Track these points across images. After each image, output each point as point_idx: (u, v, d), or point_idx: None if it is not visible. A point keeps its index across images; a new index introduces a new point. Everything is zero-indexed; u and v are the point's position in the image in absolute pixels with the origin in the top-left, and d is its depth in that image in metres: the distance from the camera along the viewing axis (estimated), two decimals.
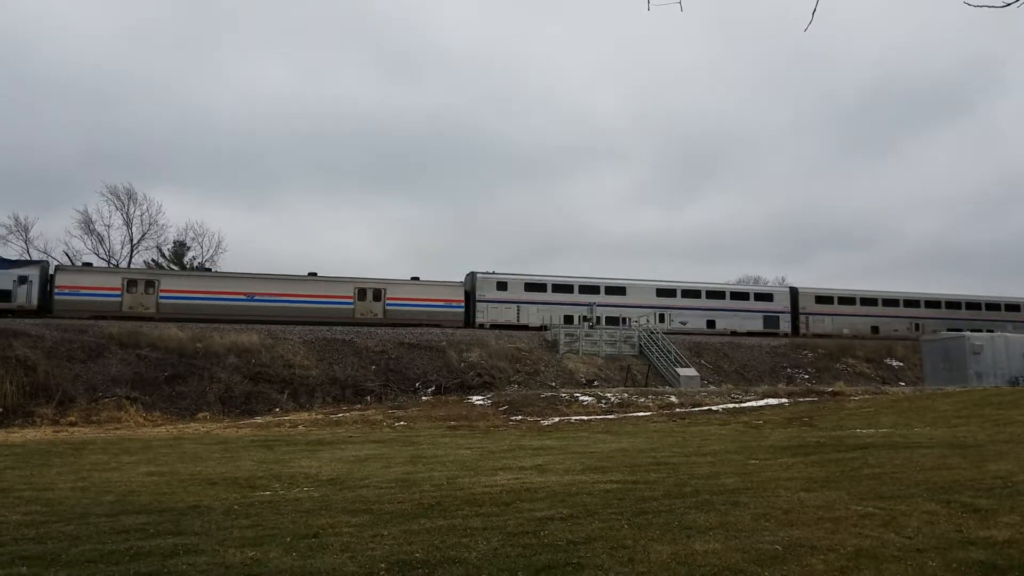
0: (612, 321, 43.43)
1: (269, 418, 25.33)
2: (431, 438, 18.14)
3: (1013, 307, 52.17)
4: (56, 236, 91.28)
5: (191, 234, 60.25)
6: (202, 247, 59.76)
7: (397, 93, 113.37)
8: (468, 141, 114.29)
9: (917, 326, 49.33)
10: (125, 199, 57.34)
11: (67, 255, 54.62)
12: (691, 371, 35.09)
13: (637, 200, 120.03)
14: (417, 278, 42.73)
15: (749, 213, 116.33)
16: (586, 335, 38.49)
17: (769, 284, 49.26)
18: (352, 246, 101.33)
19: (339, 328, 36.93)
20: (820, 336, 45.79)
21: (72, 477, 11.73)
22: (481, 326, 41.34)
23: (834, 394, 27.42)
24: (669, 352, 36.88)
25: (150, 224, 58.20)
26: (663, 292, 45.58)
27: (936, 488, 8.70)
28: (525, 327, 41.38)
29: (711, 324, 45.41)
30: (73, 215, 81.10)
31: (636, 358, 38.00)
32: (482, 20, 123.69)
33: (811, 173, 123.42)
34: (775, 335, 45.66)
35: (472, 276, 43.24)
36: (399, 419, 23.25)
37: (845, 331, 47.49)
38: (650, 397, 26.91)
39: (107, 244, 56.83)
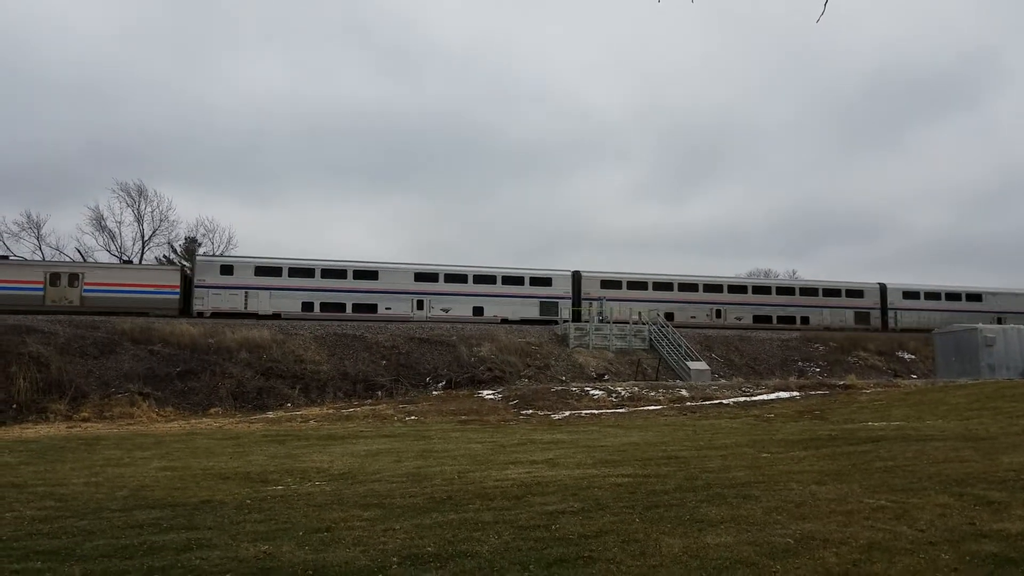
0: (361, 308, 40.67)
1: (280, 413, 25.44)
2: (442, 432, 18.18)
3: (833, 292, 49.02)
4: (68, 233, 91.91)
5: (202, 230, 60.31)
6: (213, 243, 59.89)
7: (397, 90, 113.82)
8: (468, 137, 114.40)
9: (719, 312, 46.61)
10: (136, 195, 57.58)
11: (79, 251, 54.94)
12: (701, 365, 35.03)
13: (640, 195, 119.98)
14: (130, 261, 40.12)
15: (754, 207, 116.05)
16: (596, 329, 38.45)
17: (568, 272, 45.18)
18: (357, 243, 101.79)
19: (350, 324, 36.98)
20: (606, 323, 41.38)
21: (85, 472, 11.82)
22: (200, 314, 38.36)
23: (845, 387, 27.32)
24: (680, 346, 36.81)
25: (161, 220, 58.31)
26: (423, 276, 42.22)
27: (949, 481, 8.66)
28: (254, 315, 38.66)
29: (478, 311, 42.28)
30: (84, 212, 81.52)
31: (646, 352, 37.94)
32: (479, 16, 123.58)
33: (815, 166, 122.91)
34: (553, 323, 42.13)
35: (192, 258, 40.28)
36: (410, 414, 23.31)
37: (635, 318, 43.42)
38: (660, 391, 26.87)
39: (119, 240, 57.10)
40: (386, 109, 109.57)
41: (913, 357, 42.32)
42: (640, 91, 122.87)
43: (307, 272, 40.59)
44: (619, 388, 27.36)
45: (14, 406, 25.47)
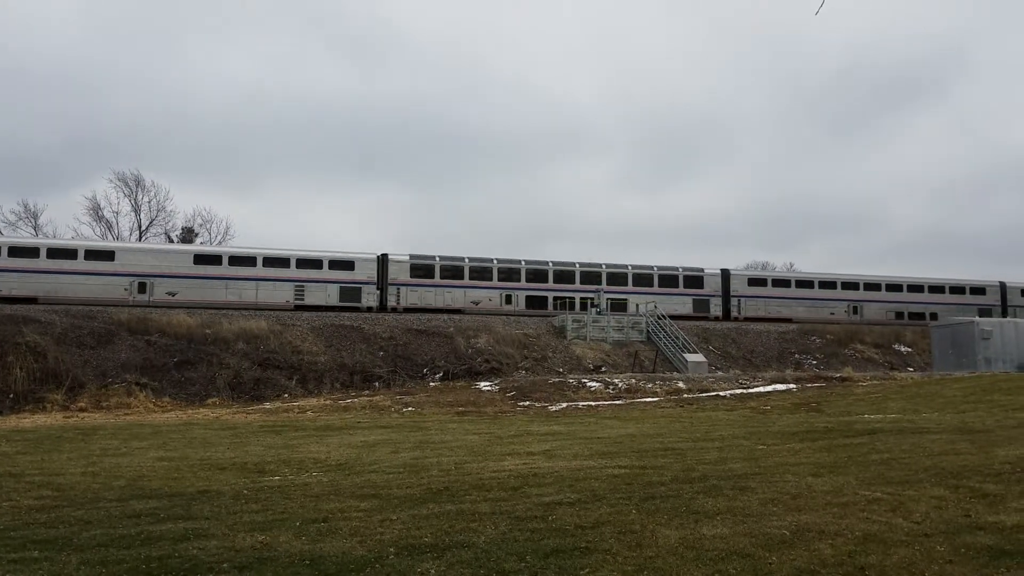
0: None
1: (278, 404, 25.47)
2: (439, 424, 18.21)
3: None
4: (65, 223, 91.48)
5: (199, 220, 60.14)
6: (210, 233, 59.73)
7: (377, 83, 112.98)
8: (445, 130, 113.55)
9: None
10: (133, 185, 57.37)
11: None
12: (699, 357, 35.07)
13: (619, 188, 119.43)
14: None
15: (734, 199, 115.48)
16: (593, 321, 38.46)
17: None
18: (341, 233, 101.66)
19: (347, 314, 36.98)
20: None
21: (82, 462, 11.83)
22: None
23: (842, 380, 27.38)
24: (677, 338, 36.84)
25: (158, 210, 58.23)
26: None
27: (944, 473, 8.69)
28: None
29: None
30: (80, 202, 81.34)
31: (644, 344, 37.97)
32: (451, 7, 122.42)
33: (799, 158, 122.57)
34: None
35: None
36: (407, 405, 23.33)
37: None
38: (658, 383, 26.92)
39: (116, 230, 57.00)
40: (362, 101, 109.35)
41: (910, 350, 42.40)
42: (614, 84, 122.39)
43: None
44: (616, 380, 27.40)
45: (11, 396, 25.47)
